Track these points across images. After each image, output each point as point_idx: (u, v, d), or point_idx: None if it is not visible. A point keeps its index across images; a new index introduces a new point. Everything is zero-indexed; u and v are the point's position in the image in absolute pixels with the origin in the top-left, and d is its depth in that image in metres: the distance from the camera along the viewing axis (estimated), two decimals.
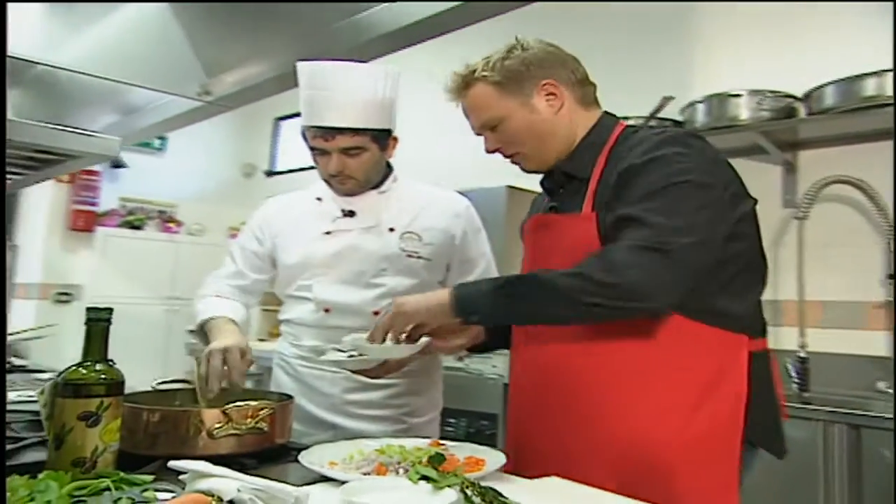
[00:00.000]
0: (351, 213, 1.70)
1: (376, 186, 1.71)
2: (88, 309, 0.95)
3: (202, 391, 1.40)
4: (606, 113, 1.33)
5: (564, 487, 1.04)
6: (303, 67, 1.65)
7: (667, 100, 2.70)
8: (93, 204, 4.56)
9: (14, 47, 2.54)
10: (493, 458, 1.17)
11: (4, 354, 1.06)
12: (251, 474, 1.13)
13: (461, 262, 1.74)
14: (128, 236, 4.73)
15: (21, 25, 2.47)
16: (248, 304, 1.77)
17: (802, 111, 2.63)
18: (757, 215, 1.23)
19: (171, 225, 4.96)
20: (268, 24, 2.30)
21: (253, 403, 1.23)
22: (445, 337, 1.37)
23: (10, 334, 2.97)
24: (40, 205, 4.55)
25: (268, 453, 1.25)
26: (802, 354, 2.61)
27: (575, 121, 1.29)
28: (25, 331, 3.36)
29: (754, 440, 1.17)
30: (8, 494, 0.74)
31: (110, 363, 0.94)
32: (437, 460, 1.01)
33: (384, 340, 1.27)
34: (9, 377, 2.38)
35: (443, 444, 1.29)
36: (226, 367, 1.42)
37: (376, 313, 1.61)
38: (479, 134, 1.34)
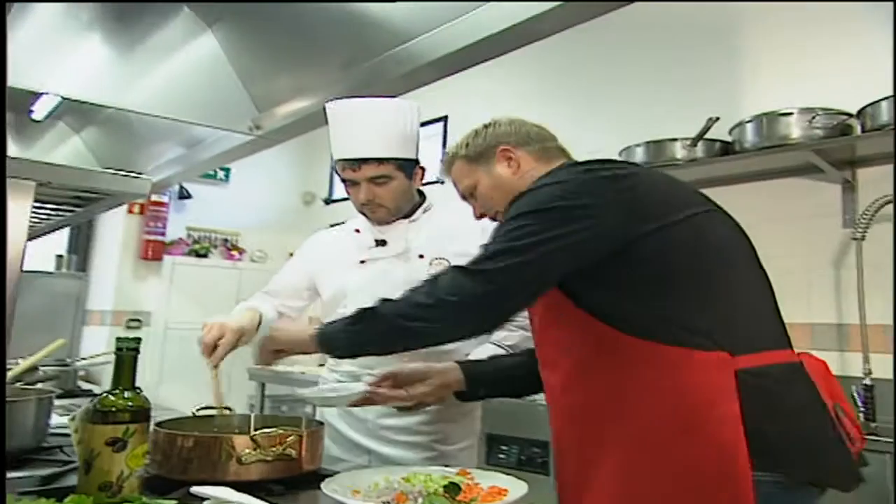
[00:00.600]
0: (383, 243, 1.79)
1: (407, 216, 1.79)
2: (118, 339, 1.01)
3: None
4: (569, 163, 1.40)
5: None
6: (330, 107, 1.77)
7: (712, 121, 2.65)
8: (161, 234, 4.78)
9: (86, 92, 2.73)
10: (516, 489, 1.17)
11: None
12: (276, 501, 1.17)
13: None
14: (194, 264, 4.93)
15: (89, 71, 2.65)
16: (283, 314, 1.88)
17: (857, 128, 2.54)
18: (717, 222, 1.22)
19: (234, 252, 5.14)
20: (314, 58, 2.40)
21: (281, 431, 1.27)
22: (405, 386, 1.46)
23: (81, 359, 3.15)
24: (114, 236, 4.80)
25: (297, 480, 1.29)
26: (868, 382, 2.49)
27: (535, 176, 1.34)
28: (94, 356, 3.54)
29: (793, 472, 1.07)
30: None
31: (138, 391, 1.00)
32: (451, 490, 1.02)
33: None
34: (74, 401, 2.52)
35: (470, 474, 1.30)
36: (220, 340, 1.57)
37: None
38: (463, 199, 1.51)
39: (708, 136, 2.78)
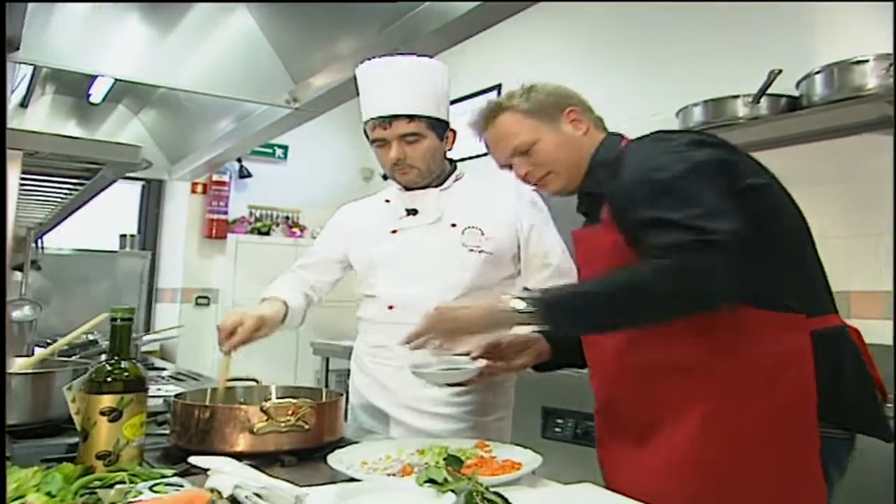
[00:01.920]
0: (414, 212, 1.74)
1: (439, 184, 1.74)
2: (113, 309, 1.00)
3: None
4: (611, 133, 1.42)
5: (595, 496, 0.96)
6: (360, 69, 1.72)
7: (774, 74, 2.45)
8: (224, 213, 4.88)
9: (135, 73, 2.79)
10: (530, 461, 1.11)
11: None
12: (285, 472, 1.15)
13: (533, 255, 1.70)
14: (256, 242, 5.03)
15: (135, 52, 2.71)
16: (310, 296, 1.86)
17: None
18: (783, 190, 1.26)
19: (295, 230, 5.21)
20: (345, 24, 2.37)
21: (293, 401, 1.25)
22: (508, 357, 1.45)
23: (146, 334, 3.25)
24: (179, 215, 4.94)
25: (313, 451, 1.27)
26: None
27: (595, 143, 1.38)
28: (157, 332, 3.68)
29: (849, 425, 1.16)
30: (21, 483, 0.79)
31: (134, 361, 0.98)
32: (452, 462, 0.97)
33: (420, 346, 1.31)
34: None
35: (488, 446, 1.24)
36: (238, 329, 1.55)
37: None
38: (504, 165, 1.43)
39: (772, 91, 2.58)
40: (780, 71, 2.46)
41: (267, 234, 5.11)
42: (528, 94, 1.39)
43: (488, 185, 1.79)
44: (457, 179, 1.77)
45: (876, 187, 2.55)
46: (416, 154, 1.66)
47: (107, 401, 0.94)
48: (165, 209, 5.15)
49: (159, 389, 2.04)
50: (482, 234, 1.67)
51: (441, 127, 1.68)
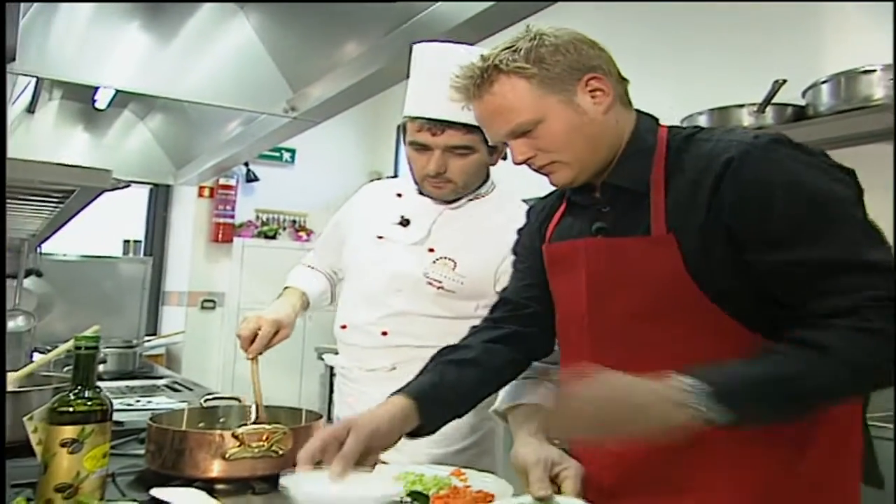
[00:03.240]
0: (406, 223, 1.59)
1: (452, 202, 1.57)
2: (76, 337, 0.98)
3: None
4: (640, 112, 1.14)
5: None
6: (417, 49, 1.49)
7: (778, 84, 2.40)
8: (231, 216, 4.89)
9: (135, 83, 2.79)
10: (504, 491, 1.09)
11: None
12: (258, 499, 1.13)
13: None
14: (263, 245, 5.03)
15: (135, 62, 2.70)
16: (333, 276, 1.79)
17: None
18: None
19: (302, 233, 5.21)
20: (343, 31, 2.34)
21: (266, 427, 1.23)
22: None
23: (146, 340, 3.26)
24: (186, 219, 4.96)
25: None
26: None
27: (621, 123, 1.08)
28: (158, 338, 3.69)
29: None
30: None
31: (98, 390, 0.97)
32: (417, 499, 0.94)
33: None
34: (133, 382, 2.61)
35: (464, 474, 1.22)
36: (257, 335, 1.49)
37: (384, 334, 1.53)
38: (496, 143, 1.19)
39: (779, 100, 2.53)
40: (785, 81, 2.41)
41: (273, 237, 5.11)
42: (538, 50, 1.03)
43: (499, 213, 1.56)
44: (474, 198, 1.58)
45: (886, 198, 2.49)
46: (460, 169, 1.47)
47: (67, 432, 0.93)
48: (172, 213, 5.17)
49: (150, 402, 2.03)
50: (454, 267, 1.51)
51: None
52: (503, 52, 1.05)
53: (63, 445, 0.92)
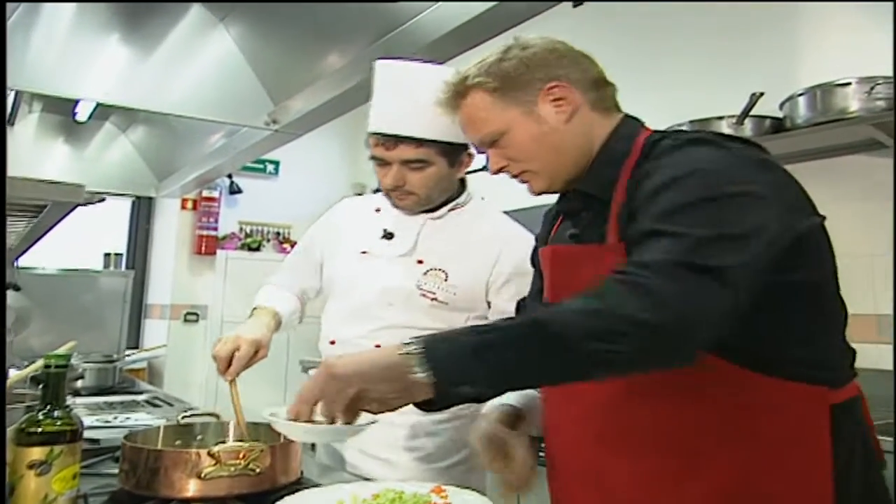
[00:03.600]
0: (390, 236, 1.58)
1: (433, 210, 1.57)
2: (46, 356, 0.97)
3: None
4: (628, 116, 1.14)
5: None
6: (377, 65, 1.50)
7: (756, 96, 2.43)
8: (214, 229, 4.86)
9: (115, 96, 2.77)
10: None
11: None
12: None
13: (491, 309, 1.55)
14: (246, 258, 5.00)
15: (115, 75, 2.69)
16: (306, 292, 1.74)
17: None
18: (828, 237, 1.01)
19: (286, 245, 5.18)
20: (324, 43, 2.34)
21: (245, 445, 1.22)
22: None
23: (128, 354, 3.23)
24: (168, 232, 4.93)
25: (267, 494, 1.23)
26: None
27: (591, 130, 1.09)
28: (138, 352, 3.66)
29: None
30: None
31: (68, 409, 0.95)
32: None
33: (311, 413, 0.96)
34: (113, 398, 2.57)
35: (444, 491, 1.20)
36: (235, 355, 1.46)
37: (377, 347, 1.53)
38: (480, 152, 1.20)
39: (757, 112, 2.55)
40: (762, 94, 2.44)
41: (257, 249, 5.08)
42: (500, 64, 1.07)
43: (483, 222, 1.60)
44: (453, 208, 1.58)
45: (864, 208, 2.52)
46: (418, 181, 1.48)
47: (35, 453, 0.91)
48: (155, 225, 5.13)
49: (128, 418, 2.01)
50: (445, 279, 1.51)
51: (456, 152, 1.49)
52: (472, 67, 1.10)
53: (31, 467, 0.91)
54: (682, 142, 1.00)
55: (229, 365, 1.47)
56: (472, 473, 1.54)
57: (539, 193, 1.15)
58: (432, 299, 1.50)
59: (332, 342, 1.59)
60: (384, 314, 1.52)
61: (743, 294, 0.85)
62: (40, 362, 1.82)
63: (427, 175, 1.48)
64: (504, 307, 1.50)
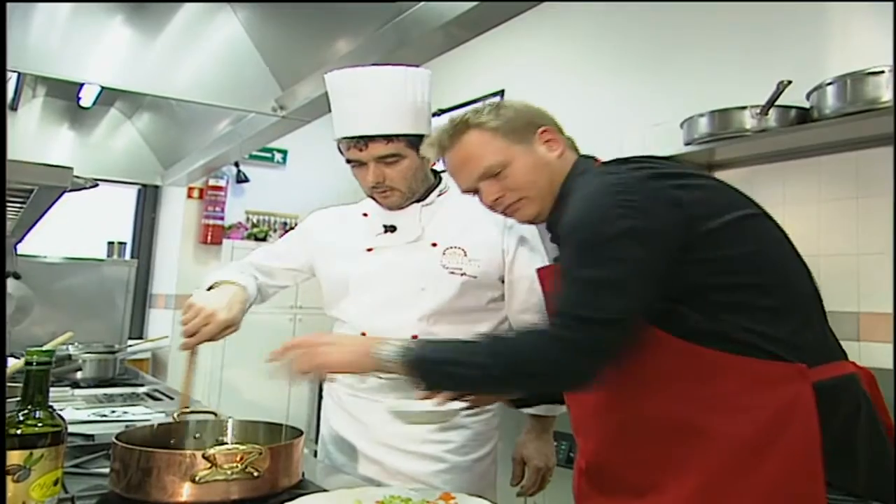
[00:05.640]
0: (392, 229, 1.61)
1: (420, 199, 1.61)
2: (28, 351, 0.89)
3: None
4: (582, 157, 1.31)
5: None
6: (330, 78, 1.57)
7: (783, 85, 2.33)
8: (220, 218, 4.79)
9: (121, 81, 2.70)
10: None
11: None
12: None
13: (518, 279, 1.58)
14: (252, 247, 4.89)
15: (121, 59, 2.61)
16: (262, 292, 1.72)
17: None
18: (771, 226, 1.15)
19: None
20: (333, 26, 2.26)
21: (241, 447, 1.14)
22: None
23: (131, 344, 3.16)
24: (175, 221, 4.86)
25: (267, 498, 1.16)
26: None
27: (567, 168, 1.27)
28: (140, 343, 3.59)
29: (861, 492, 1.01)
30: None
31: (50, 409, 0.87)
32: None
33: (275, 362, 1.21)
34: (112, 390, 2.50)
35: (454, 498, 1.13)
36: (205, 326, 1.45)
37: (414, 337, 1.50)
38: (468, 190, 1.30)
39: (782, 102, 2.45)
40: (790, 82, 2.33)
41: (264, 239, 5.01)
42: (498, 112, 1.26)
43: (474, 199, 1.68)
44: (440, 193, 1.65)
45: (889, 203, 2.42)
46: (397, 175, 1.54)
47: (13, 457, 0.83)
48: (161, 214, 5.07)
49: (126, 413, 1.94)
50: (465, 254, 1.54)
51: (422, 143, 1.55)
52: (470, 113, 1.28)
53: (8, 473, 0.83)
54: (592, 172, 1.20)
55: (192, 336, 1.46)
56: (482, 480, 1.56)
57: (528, 221, 1.31)
58: (462, 274, 1.53)
59: (364, 334, 1.54)
60: (418, 301, 1.53)
61: (630, 326, 1.03)
62: (17, 363, 1.75)
63: (403, 168, 1.53)
64: (521, 272, 1.56)
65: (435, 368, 1.11)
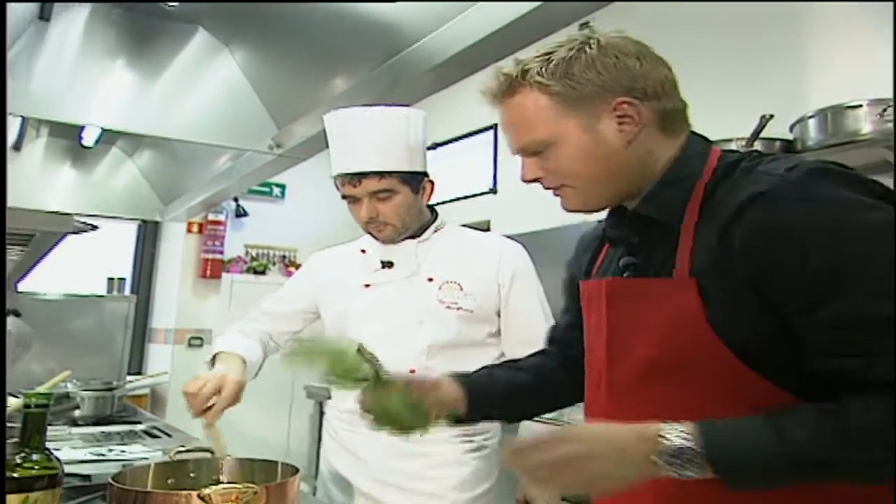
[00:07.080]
0: (389, 265, 1.65)
1: (416, 235, 1.65)
2: (26, 394, 0.92)
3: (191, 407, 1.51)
4: (693, 134, 1.02)
5: None
6: (327, 118, 1.64)
7: (766, 119, 2.39)
8: (219, 252, 4.84)
9: (121, 122, 2.76)
10: None
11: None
12: None
13: (514, 312, 1.62)
14: (251, 281, 4.97)
15: (121, 101, 2.68)
16: (269, 346, 1.78)
17: None
18: None
19: (291, 269, 5.15)
20: (329, 67, 2.33)
21: (237, 486, 1.16)
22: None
23: (129, 381, 3.18)
24: (174, 255, 4.91)
25: None
26: None
27: (653, 151, 0.97)
28: (139, 379, 3.60)
29: None
30: None
31: (47, 452, 0.90)
32: None
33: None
34: (109, 428, 2.52)
35: None
36: (215, 396, 1.48)
37: (412, 371, 1.52)
38: (516, 153, 1.04)
39: (767, 134, 2.51)
40: (772, 116, 2.40)
41: (263, 273, 5.06)
42: (567, 66, 0.94)
43: (470, 235, 1.73)
44: (436, 230, 1.69)
45: None
46: (390, 211, 1.58)
47: (11, 501, 0.86)
48: (161, 249, 5.12)
49: (123, 451, 1.96)
50: (461, 289, 1.58)
51: (416, 179, 1.60)
52: (536, 60, 0.97)
53: None
54: (802, 174, 0.84)
55: (207, 408, 1.49)
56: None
57: (571, 210, 1.04)
58: (458, 309, 1.57)
59: None
60: (417, 335, 1.57)
61: None
62: (15, 403, 1.77)
63: (396, 204, 1.57)
64: (517, 305, 1.60)
65: (790, 472, 0.79)
